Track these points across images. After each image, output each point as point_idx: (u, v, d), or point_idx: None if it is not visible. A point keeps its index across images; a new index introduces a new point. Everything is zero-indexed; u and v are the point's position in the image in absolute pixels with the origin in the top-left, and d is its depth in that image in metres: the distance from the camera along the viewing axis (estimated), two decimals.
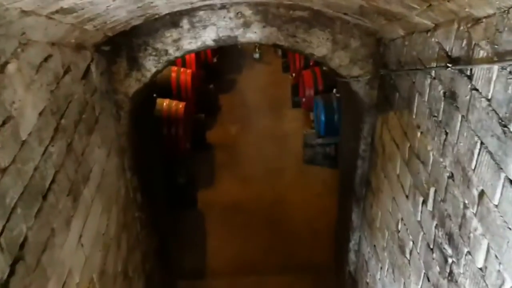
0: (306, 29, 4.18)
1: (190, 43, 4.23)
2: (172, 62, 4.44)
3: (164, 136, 8.02)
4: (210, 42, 4.23)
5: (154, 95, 8.25)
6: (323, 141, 9.00)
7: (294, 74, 10.43)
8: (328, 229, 7.63)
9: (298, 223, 8.17)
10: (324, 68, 9.33)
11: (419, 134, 3.40)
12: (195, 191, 8.60)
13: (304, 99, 9.70)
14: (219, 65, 11.79)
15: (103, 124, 4.14)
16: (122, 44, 4.18)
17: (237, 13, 4.09)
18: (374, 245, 4.73)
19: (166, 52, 4.25)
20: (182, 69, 9.22)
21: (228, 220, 8.26)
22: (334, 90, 8.85)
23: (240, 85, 11.96)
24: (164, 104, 8.20)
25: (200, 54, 10.40)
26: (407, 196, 3.69)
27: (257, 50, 12.66)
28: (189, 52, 4.30)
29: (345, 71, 4.37)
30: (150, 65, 4.30)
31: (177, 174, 8.11)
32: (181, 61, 9.73)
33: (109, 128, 4.34)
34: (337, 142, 8.94)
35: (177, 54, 4.25)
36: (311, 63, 9.98)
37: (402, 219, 3.82)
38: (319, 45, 4.25)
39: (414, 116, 3.50)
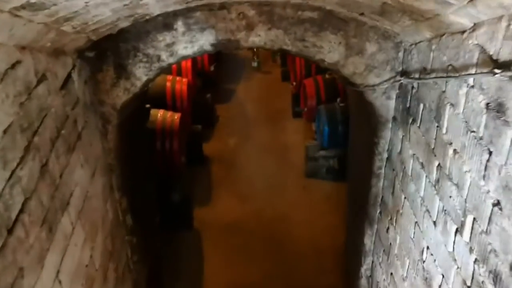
0: (316, 32, 3.75)
1: (185, 48, 3.79)
2: (165, 70, 3.99)
3: (157, 150, 7.57)
4: (208, 47, 3.80)
5: (148, 105, 7.82)
6: (326, 154, 8.57)
7: (294, 83, 10.01)
8: (334, 250, 7.18)
9: (301, 243, 7.72)
10: (327, 75, 8.92)
11: (451, 152, 2.96)
12: (190, 210, 8.13)
13: (305, 109, 9.27)
14: (216, 73, 11.37)
15: (86, 140, 3.69)
16: (108, 50, 3.74)
17: (239, 13, 3.66)
18: (391, 273, 4.28)
19: (159, 58, 3.81)
20: (177, 78, 8.79)
21: (226, 241, 7.80)
22: (338, 100, 8.42)
23: (238, 95, 11.54)
24: (159, 115, 7.76)
25: (196, 62, 9.97)
26: (434, 223, 3.25)
27: (255, 58, 12.24)
28: (185, 58, 3.86)
29: (359, 80, 3.93)
30: (141, 73, 3.86)
31: (171, 191, 7.65)
32: (176, 69, 9.30)
33: (94, 145, 3.90)
34: (341, 154, 8.51)
35: (171, 60, 3.81)
36: (312, 72, 9.56)
37: (428, 248, 3.38)
38: (330, 50, 3.82)
39: (444, 131, 3.06)
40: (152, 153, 7.47)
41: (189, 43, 3.75)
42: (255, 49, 12.21)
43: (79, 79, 3.57)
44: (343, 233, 6.57)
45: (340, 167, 8.69)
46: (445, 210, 3.06)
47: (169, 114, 7.83)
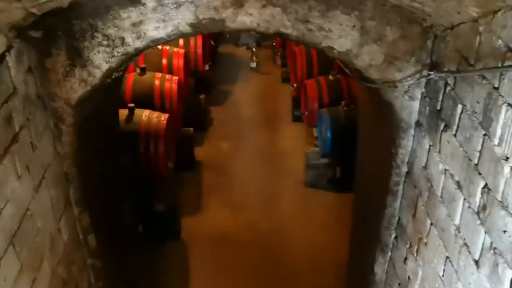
0: (324, 12, 2.92)
1: (156, 29, 2.95)
2: (132, 56, 3.15)
3: (141, 154, 6.73)
4: (185, 28, 2.96)
5: (131, 105, 6.99)
6: (329, 161, 7.73)
7: (295, 85, 9.17)
8: (335, 268, 6.38)
9: (299, 259, 6.89)
10: (331, 77, 8.09)
11: (507, 170, 2.14)
12: (177, 219, 7.30)
13: (306, 113, 8.44)
14: (211, 73, 10.53)
15: (26, 143, 2.85)
16: (58, 29, 2.90)
17: None
18: None
19: (123, 41, 2.98)
20: (167, 76, 7.95)
21: (216, 255, 6.97)
22: (342, 103, 7.58)
23: (234, 97, 10.68)
24: (143, 115, 6.92)
25: (189, 60, 9.13)
26: (476, 262, 2.42)
27: (254, 58, 11.41)
28: (156, 41, 3.02)
29: (376, 74, 3.10)
30: (100, 60, 3.03)
31: (155, 199, 6.81)
32: (167, 67, 8.46)
33: (42, 149, 3.06)
34: (345, 163, 7.67)
35: (139, 44, 2.98)
36: (315, 72, 8.72)
37: None
38: (341, 35, 2.99)
39: (496, 142, 2.24)
40: (134, 157, 6.63)
41: (161, 22, 2.92)
42: (253, 49, 11.40)
43: (17, 64, 2.74)
44: (345, 250, 5.76)
45: (343, 177, 7.86)
46: (495, 249, 2.23)
47: (155, 114, 6.99)
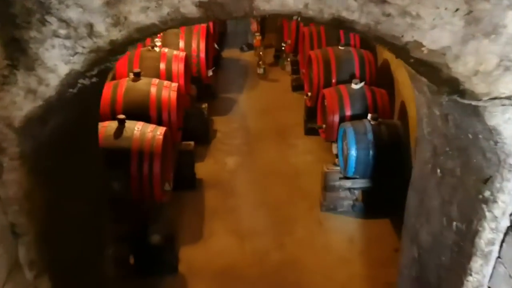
0: None
1: (144, 11, 1.85)
2: (108, 55, 2.03)
3: (132, 176, 5.63)
4: (190, 9, 1.85)
5: (121, 116, 5.88)
6: (352, 184, 6.63)
7: (309, 94, 8.07)
8: None
9: None
10: (353, 85, 6.99)
11: None
12: (175, 251, 6.20)
13: (324, 126, 7.33)
14: (214, 80, 9.43)
15: None
16: None
17: None
18: None
19: (91, 28, 1.87)
20: (165, 83, 6.86)
21: None
22: (369, 116, 6.48)
23: (240, 106, 9.57)
24: (136, 129, 5.81)
25: (190, 65, 8.04)
26: None
27: (261, 64, 10.31)
28: (143, 30, 1.92)
29: (482, 85, 1.99)
30: (56, 59, 1.92)
31: (149, 229, 5.71)
32: (166, 72, 7.36)
33: None
34: (370, 187, 6.59)
35: (116, 34, 1.88)
36: (333, 80, 7.63)
37: None
38: (435, 23, 1.90)
39: None
40: (123, 181, 5.54)
41: (152, 0, 1.82)
42: (261, 53, 10.31)
43: None
44: None
45: (368, 201, 6.76)
46: None
47: (149, 128, 5.89)
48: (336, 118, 6.98)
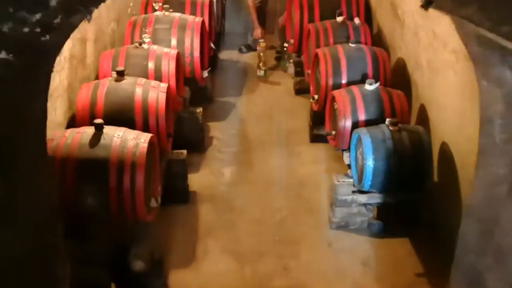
0: None
1: None
2: None
3: (111, 191, 4.66)
4: None
5: (99, 121, 4.93)
6: (367, 199, 5.67)
7: (316, 97, 7.11)
8: None
9: None
10: (368, 85, 6.04)
11: None
12: (163, 276, 5.25)
13: (333, 133, 6.37)
14: (211, 82, 8.47)
15: None
16: None
17: None
18: None
19: None
20: (153, 83, 5.90)
21: None
22: (387, 121, 5.53)
23: (238, 111, 8.58)
24: (116, 136, 4.85)
25: (183, 65, 7.09)
26: None
27: (261, 66, 9.36)
28: None
29: None
30: None
31: (131, 254, 4.74)
32: (154, 72, 6.41)
33: None
34: (389, 202, 5.63)
35: None
36: (343, 81, 6.68)
37: None
38: None
39: None
40: (100, 197, 4.59)
41: None
42: (261, 54, 9.35)
43: None
44: None
45: (385, 219, 5.79)
46: None
47: (132, 135, 4.92)
48: (348, 123, 6.03)
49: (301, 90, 8.77)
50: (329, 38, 7.49)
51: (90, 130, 4.90)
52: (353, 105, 6.03)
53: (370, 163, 5.35)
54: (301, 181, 6.96)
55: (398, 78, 6.97)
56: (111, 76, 5.90)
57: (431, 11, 5.51)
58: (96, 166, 4.68)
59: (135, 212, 4.81)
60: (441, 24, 5.29)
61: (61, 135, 4.92)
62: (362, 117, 6.01)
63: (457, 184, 5.21)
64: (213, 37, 8.61)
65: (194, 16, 7.59)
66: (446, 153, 5.49)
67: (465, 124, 5.05)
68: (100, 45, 6.90)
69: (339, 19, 7.63)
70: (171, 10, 7.50)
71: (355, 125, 5.99)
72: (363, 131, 5.53)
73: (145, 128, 5.56)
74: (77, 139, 4.79)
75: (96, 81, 5.88)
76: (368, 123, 5.95)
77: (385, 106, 6.03)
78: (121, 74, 5.80)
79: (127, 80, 5.82)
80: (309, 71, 7.78)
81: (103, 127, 4.88)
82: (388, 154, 5.35)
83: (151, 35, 7.02)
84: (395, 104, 6.05)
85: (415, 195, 5.44)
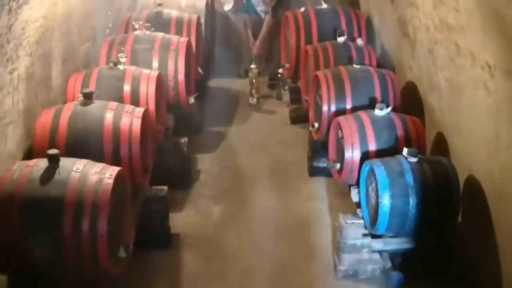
0: None
1: None
2: None
3: (65, 240, 3.62)
4: None
5: (54, 152, 3.91)
6: (383, 245, 4.64)
7: (316, 125, 6.13)
8: None
9: None
10: (377, 109, 5.10)
11: None
12: None
13: (338, 165, 5.37)
14: (198, 109, 7.50)
15: None
16: None
17: None
18: None
19: None
20: (127, 107, 4.91)
21: None
22: (405, 151, 4.54)
23: (228, 142, 7.56)
24: (75, 170, 3.83)
25: (167, 88, 6.13)
26: None
27: (253, 93, 8.41)
28: None
29: None
30: None
31: None
32: (131, 96, 5.44)
33: None
34: (410, 248, 4.60)
35: None
36: (348, 106, 5.73)
37: None
38: None
39: None
40: (51, 246, 3.55)
41: None
42: (254, 80, 8.42)
43: None
44: None
45: (403, 268, 4.74)
46: None
47: (95, 168, 3.90)
48: (357, 154, 5.03)
49: (297, 118, 7.82)
50: (329, 60, 6.56)
51: (43, 163, 3.88)
52: (361, 132, 5.05)
53: (386, 201, 4.34)
54: (301, 221, 5.91)
55: (407, 102, 6.04)
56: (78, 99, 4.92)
57: (454, 21, 4.66)
58: (47, 208, 3.64)
59: (97, 265, 3.74)
60: (468, 35, 4.37)
61: (7, 168, 3.89)
62: (372, 146, 5.03)
63: (490, 223, 4.22)
64: (201, 60, 7.66)
65: (179, 36, 6.65)
66: (474, 187, 4.50)
67: (499, 151, 4.09)
68: (70, 67, 5.93)
69: (340, 39, 6.72)
70: (153, 29, 6.56)
71: (365, 156, 5.00)
72: (376, 163, 4.53)
73: (116, 160, 4.55)
74: (25, 173, 3.77)
75: (59, 106, 4.89)
76: (379, 153, 4.96)
77: (398, 134, 5.05)
78: (88, 97, 4.81)
79: (96, 104, 4.82)
80: (307, 97, 6.84)
81: (59, 159, 3.86)
82: (408, 191, 4.34)
83: (130, 57, 6.09)
84: (410, 131, 5.09)
85: (441, 239, 4.43)
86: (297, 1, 9.02)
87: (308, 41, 7.24)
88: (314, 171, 6.57)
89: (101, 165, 4.00)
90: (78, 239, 3.65)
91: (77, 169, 3.82)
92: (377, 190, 4.45)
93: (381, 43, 7.35)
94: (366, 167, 4.72)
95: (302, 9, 7.54)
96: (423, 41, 5.58)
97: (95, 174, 3.83)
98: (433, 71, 5.43)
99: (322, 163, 6.46)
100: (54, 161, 3.83)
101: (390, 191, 4.34)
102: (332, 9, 7.57)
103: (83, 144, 4.54)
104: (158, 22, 7.02)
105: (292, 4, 8.88)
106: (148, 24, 6.59)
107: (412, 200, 4.34)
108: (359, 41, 6.76)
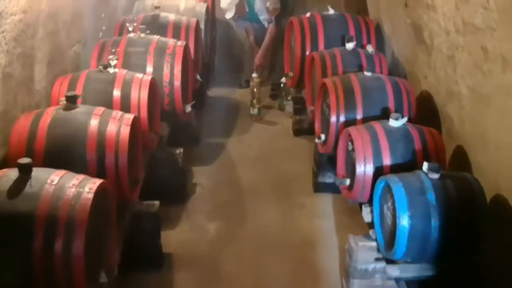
0: None
1: None
2: None
3: (35, 261, 3.07)
4: None
5: (26, 160, 3.36)
6: (400, 272, 4.07)
7: (324, 136, 5.59)
8: None
9: None
10: (393, 120, 4.57)
11: None
12: None
13: (348, 181, 4.82)
14: (195, 119, 6.98)
15: None
16: None
17: None
18: None
19: None
20: (114, 113, 4.36)
21: None
22: (426, 166, 3.99)
23: (227, 154, 7.02)
24: (48, 183, 3.28)
25: (162, 95, 5.60)
26: None
27: (255, 103, 7.89)
28: None
29: None
30: None
31: None
32: (121, 101, 4.90)
33: None
34: (432, 275, 4.04)
35: None
36: (359, 116, 5.20)
37: None
38: None
39: None
40: (20, 268, 3.00)
41: None
42: (255, 89, 7.91)
43: None
44: None
45: None
46: None
47: (74, 180, 3.35)
48: (370, 169, 4.48)
49: (301, 130, 7.31)
50: (337, 67, 6.04)
51: (13, 174, 3.33)
52: (375, 145, 4.51)
53: (404, 222, 3.78)
54: (306, 241, 5.35)
55: (421, 113, 5.50)
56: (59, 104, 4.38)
57: (481, 21, 4.13)
58: (14, 225, 3.09)
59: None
60: (499, 37, 3.84)
61: None
62: (387, 160, 4.48)
63: None
64: (200, 68, 7.14)
65: (176, 40, 6.14)
66: (503, 207, 3.95)
67: None
68: (57, 69, 5.40)
69: (349, 45, 6.21)
70: (148, 32, 6.06)
71: (379, 171, 4.45)
72: (393, 179, 3.98)
73: (100, 171, 4.00)
74: None
75: (40, 110, 4.35)
76: (395, 168, 4.41)
77: (416, 147, 4.51)
78: (72, 101, 4.27)
79: (81, 109, 4.29)
80: (313, 107, 6.32)
81: (31, 170, 3.32)
82: (430, 211, 3.79)
83: (122, 60, 5.58)
84: (429, 144, 4.55)
85: (467, 265, 3.87)
86: (301, 10, 8.53)
87: (314, 48, 6.74)
88: (319, 187, 6.02)
89: (81, 176, 3.45)
90: (50, 262, 3.09)
91: (52, 182, 3.27)
92: (394, 209, 3.90)
93: (392, 51, 6.84)
94: (380, 184, 4.16)
95: (308, 15, 7.04)
96: (442, 46, 5.05)
97: (72, 187, 3.28)
98: (452, 79, 4.90)
99: (328, 178, 5.94)
100: (25, 171, 3.28)
101: (410, 211, 3.79)
102: (340, 15, 7.08)
103: (64, 153, 4.00)
104: (155, 25, 6.52)
105: (296, 14, 8.39)
106: (143, 26, 6.08)
107: (435, 222, 3.78)
108: (369, 48, 6.24)
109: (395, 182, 3.93)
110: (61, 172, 3.43)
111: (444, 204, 3.82)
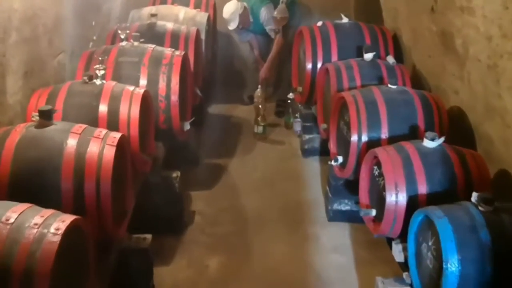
0: None
1: None
2: None
3: None
4: None
5: None
6: None
7: (341, 159, 4.83)
8: None
9: None
10: (427, 140, 3.81)
11: None
12: None
13: (374, 212, 4.05)
14: (194, 138, 6.23)
15: None
16: None
17: None
18: None
19: None
20: (96, 132, 3.60)
21: None
22: (475, 197, 3.22)
23: (230, 177, 6.24)
24: (2, 222, 2.50)
25: (157, 110, 4.86)
26: None
27: (259, 121, 7.15)
28: None
29: None
30: None
31: None
32: (107, 118, 4.15)
33: None
34: None
35: None
36: (384, 136, 4.44)
37: None
38: None
39: None
40: None
41: None
42: (259, 106, 7.17)
43: None
44: None
45: None
46: None
47: (36, 219, 2.58)
48: (402, 198, 3.71)
49: (310, 151, 6.56)
50: (355, 80, 5.31)
51: None
52: (408, 169, 3.74)
53: (453, 268, 3.00)
54: (320, 279, 4.55)
55: (452, 132, 4.75)
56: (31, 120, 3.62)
57: None
58: None
59: None
60: None
61: None
62: (423, 188, 3.70)
63: None
64: (200, 82, 6.41)
65: (173, 49, 5.41)
66: None
67: None
68: (36, 81, 4.65)
69: (368, 56, 5.48)
70: (142, 40, 5.33)
71: (413, 200, 3.69)
72: (436, 213, 3.20)
73: (78, 203, 3.23)
74: None
75: (8, 127, 3.59)
76: (432, 198, 3.65)
77: (456, 173, 3.75)
78: (46, 116, 3.51)
79: (57, 126, 3.52)
80: (326, 125, 5.58)
81: None
82: (485, 253, 3.01)
83: (112, 71, 4.85)
84: (471, 169, 3.79)
85: None
86: (307, 20, 7.82)
87: (327, 59, 6.01)
88: (334, 215, 5.25)
89: (48, 212, 2.67)
90: None
91: (7, 220, 2.50)
92: (438, 251, 3.12)
93: (412, 63, 6.10)
94: (418, 217, 3.39)
95: (320, 23, 6.32)
96: (480, 55, 4.31)
97: (34, 228, 2.51)
98: (493, 92, 4.16)
99: (344, 206, 5.19)
100: None
101: (460, 254, 3.01)
102: (354, 23, 6.37)
103: (33, 181, 3.23)
104: (151, 34, 5.81)
105: (302, 24, 7.69)
106: (137, 34, 5.35)
107: (490, 267, 3.01)
108: (390, 59, 5.52)
109: (440, 217, 3.15)
110: (23, 206, 2.66)
111: (501, 245, 3.04)
